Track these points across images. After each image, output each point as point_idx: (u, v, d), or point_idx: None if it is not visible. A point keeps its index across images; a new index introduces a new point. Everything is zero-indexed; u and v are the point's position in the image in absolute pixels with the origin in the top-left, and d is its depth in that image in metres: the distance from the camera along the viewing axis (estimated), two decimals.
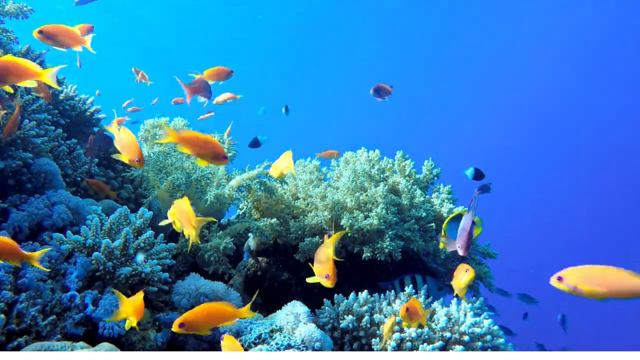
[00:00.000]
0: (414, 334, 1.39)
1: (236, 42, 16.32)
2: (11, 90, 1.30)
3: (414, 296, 1.57)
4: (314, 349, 1.28)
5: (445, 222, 1.42)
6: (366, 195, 1.82)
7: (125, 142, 1.19)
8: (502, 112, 18.50)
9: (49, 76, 1.16)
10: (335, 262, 1.79)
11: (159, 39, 15.32)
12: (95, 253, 1.28)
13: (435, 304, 1.55)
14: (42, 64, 1.95)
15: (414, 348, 1.38)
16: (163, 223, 1.22)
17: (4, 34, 1.89)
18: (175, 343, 1.36)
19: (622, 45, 15.95)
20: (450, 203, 1.97)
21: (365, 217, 1.74)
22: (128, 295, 1.32)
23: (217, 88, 1.90)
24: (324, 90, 17.83)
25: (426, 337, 1.41)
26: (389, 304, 1.54)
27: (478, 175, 2.47)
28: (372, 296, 1.55)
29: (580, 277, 0.86)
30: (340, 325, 1.47)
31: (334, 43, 16.86)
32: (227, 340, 1.04)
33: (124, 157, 1.19)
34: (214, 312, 1.05)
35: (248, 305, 1.08)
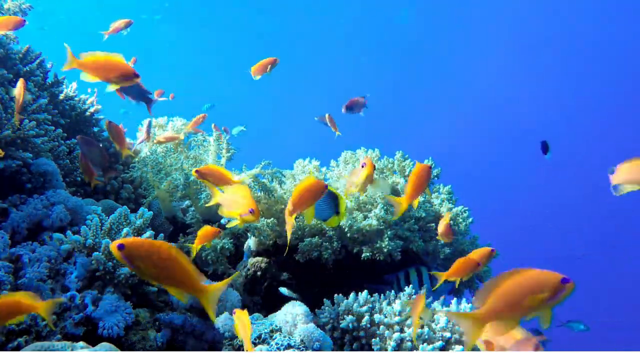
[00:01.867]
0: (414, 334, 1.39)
1: (236, 39, 16.33)
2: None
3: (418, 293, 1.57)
4: (313, 349, 1.28)
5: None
6: (365, 195, 1.82)
7: (239, 196, 1.19)
8: (502, 112, 18.51)
9: None
10: (336, 262, 1.79)
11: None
12: (95, 253, 1.28)
13: (436, 304, 1.55)
14: (41, 64, 1.95)
15: (414, 348, 1.38)
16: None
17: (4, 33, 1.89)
18: (175, 343, 1.36)
19: (614, 41, 15.99)
20: (450, 203, 1.97)
21: (365, 218, 1.74)
22: (128, 296, 1.32)
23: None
24: (321, 89, 17.84)
25: (426, 337, 1.41)
26: (389, 304, 1.54)
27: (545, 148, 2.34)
28: (372, 296, 1.55)
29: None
30: (340, 325, 1.48)
31: (330, 43, 16.88)
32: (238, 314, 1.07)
33: (235, 213, 1.18)
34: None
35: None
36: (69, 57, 1.17)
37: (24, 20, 1.60)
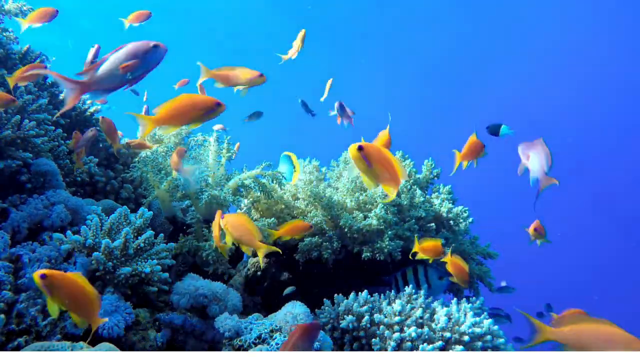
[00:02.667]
0: (414, 334, 1.39)
1: (241, 36, 16.32)
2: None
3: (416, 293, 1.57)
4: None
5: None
6: (366, 195, 1.82)
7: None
8: (502, 111, 18.50)
9: None
10: (336, 262, 1.79)
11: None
12: (95, 253, 1.28)
13: (436, 304, 1.55)
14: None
15: (414, 348, 1.38)
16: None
17: (4, 34, 1.89)
18: (175, 343, 1.36)
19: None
20: (450, 203, 1.97)
21: (365, 218, 1.74)
22: (128, 297, 1.32)
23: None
24: (321, 89, 17.81)
25: (426, 337, 1.41)
26: (389, 303, 1.54)
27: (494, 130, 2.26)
28: (372, 296, 1.55)
29: None
30: (340, 325, 1.47)
31: (330, 43, 16.87)
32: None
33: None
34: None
35: None
36: (203, 70, 1.33)
37: (57, 11, 1.79)
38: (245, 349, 1.26)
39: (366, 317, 1.47)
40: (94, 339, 1.16)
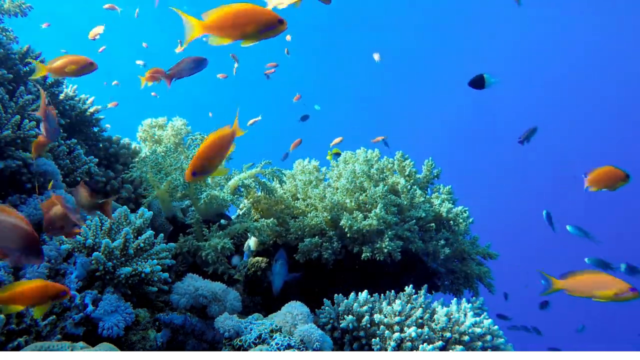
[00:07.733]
0: (414, 334, 1.39)
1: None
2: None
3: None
4: (313, 349, 1.28)
5: None
6: (365, 195, 1.82)
7: None
8: (503, 112, 18.50)
9: None
10: (336, 262, 1.79)
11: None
12: (95, 253, 1.28)
13: (436, 304, 1.55)
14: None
15: (414, 348, 1.38)
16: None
17: (3, 33, 1.89)
18: (175, 343, 1.36)
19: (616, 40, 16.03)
20: (450, 203, 1.97)
21: (365, 218, 1.74)
22: (128, 297, 1.32)
23: None
24: (324, 89, 17.85)
25: (426, 337, 1.41)
26: (389, 304, 1.54)
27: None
28: (372, 296, 1.55)
29: None
30: (340, 326, 1.48)
31: (330, 43, 16.87)
32: None
33: None
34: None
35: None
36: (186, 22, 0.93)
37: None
38: (245, 349, 1.26)
39: (366, 317, 1.47)
40: (95, 339, 1.16)
